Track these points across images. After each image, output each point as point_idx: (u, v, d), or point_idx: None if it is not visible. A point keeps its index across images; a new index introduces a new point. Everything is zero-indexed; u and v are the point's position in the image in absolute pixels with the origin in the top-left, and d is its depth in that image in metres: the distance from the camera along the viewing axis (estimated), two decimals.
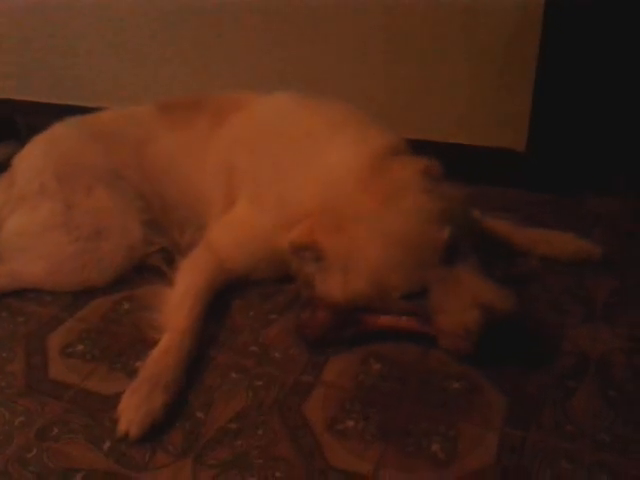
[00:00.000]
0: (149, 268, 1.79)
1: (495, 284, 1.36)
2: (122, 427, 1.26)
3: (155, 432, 1.26)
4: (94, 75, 2.79)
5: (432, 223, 1.36)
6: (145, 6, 2.55)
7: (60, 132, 1.96)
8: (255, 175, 1.65)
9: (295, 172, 1.55)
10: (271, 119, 1.72)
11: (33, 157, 1.91)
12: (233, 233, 1.67)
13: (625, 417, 1.26)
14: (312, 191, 1.48)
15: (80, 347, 1.54)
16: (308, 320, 1.48)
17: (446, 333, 1.37)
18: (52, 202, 1.77)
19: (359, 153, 1.49)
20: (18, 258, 1.76)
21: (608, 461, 1.17)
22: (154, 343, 1.46)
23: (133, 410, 1.28)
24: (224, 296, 1.65)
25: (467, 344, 1.34)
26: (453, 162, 1.49)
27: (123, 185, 1.82)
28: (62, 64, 2.83)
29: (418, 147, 1.55)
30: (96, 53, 2.75)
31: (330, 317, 1.45)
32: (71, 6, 2.68)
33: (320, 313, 1.46)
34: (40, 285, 1.76)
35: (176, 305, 1.53)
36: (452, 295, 1.34)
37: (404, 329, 1.45)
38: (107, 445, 1.26)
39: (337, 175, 1.47)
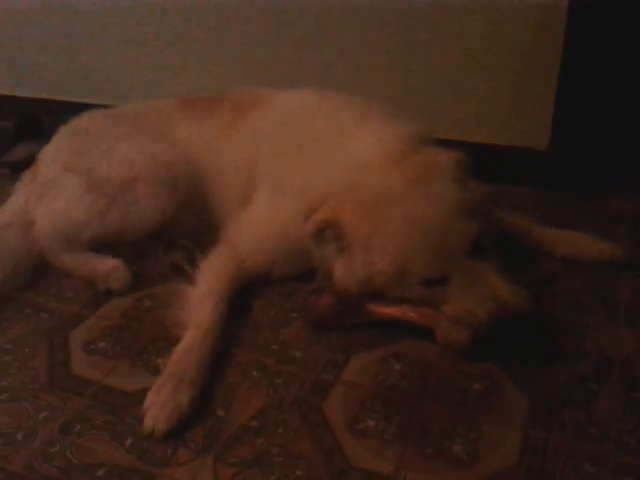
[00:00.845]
0: (170, 266, 1.80)
1: (513, 283, 1.36)
2: (148, 424, 1.27)
3: (181, 428, 1.27)
4: (117, 74, 2.82)
5: (463, 214, 1.36)
6: (167, 6, 2.57)
7: (83, 119, 2.00)
8: (277, 167, 1.65)
9: (321, 158, 1.55)
10: (295, 112, 1.72)
11: (55, 144, 1.94)
12: (253, 230, 1.68)
13: None
14: (339, 174, 1.48)
15: (102, 344, 1.56)
16: (313, 303, 1.53)
17: (447, 324, 1.38)
18: (76, 175, 1.78)
19: (389, 138, 1.49)
20: (74, 243, 1.78)
21: (633, 464, 1.15)
22: (176, 340, 1.47)
23: (159, 407, 1.29)
24: (245, 295, 1.66)
25: (465, 337, 1.35)
26: (474, 161, 1.48)
27: (143, 134, 1.83)
28: (86, 64, 2.86)
29: (440, 145, 1.54)
30: (119, 53, 2.77)
31: (334, 303, 1.49)
32: (97, 7, 2.71)
33: (325, 298, 1.50)
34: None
35: (198, 302, 1.54)
36: (470, 287, 1.35)
37: (404, 320, 1.47)
38: (129, 441, 1.27)
39: (365, 157, 1.47)
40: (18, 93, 3.09)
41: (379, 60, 2.28)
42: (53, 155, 1.90)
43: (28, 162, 2.08)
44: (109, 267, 1.75)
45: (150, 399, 1.32)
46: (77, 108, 2.43)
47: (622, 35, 1.96)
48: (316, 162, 1.55)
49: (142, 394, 1.34)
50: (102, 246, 1.80)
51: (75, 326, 1.63)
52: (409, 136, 1.50)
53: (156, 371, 1.43)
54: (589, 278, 1.69)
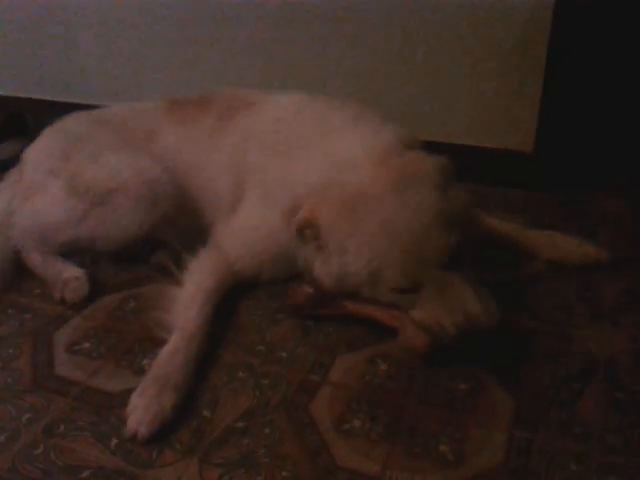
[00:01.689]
0: (155, 267, 1.79)
1: (484, 297, 1.35)
2: (131, 427, 1.26)
3: (164, 433, 1.26)
4: (100, 74, 2.80)
5: (440, 225, 1.35)
6: (151, 7, 2.56)
7: (67, 122, 1.98)
8: (265, 171, 1.65)
9: (306, 159, 1.55)
10: (284, 116, 1.72)
11: (40, 146, 1.92)
12: (241, 233, 1.67)
13: (633, 419, 1.25)
14: (320, 173, 1.47)
15: (86, 344, 1.54)
16: (292, 291, 1.59)
17: (412, 327, 1.37)
18: (58, 179, 1.77)
19: (373, 140, 1.49)
20: (50, 243, 1.78)
21: (617, 463, 1.16)
22: (162, 342, 1.46)
23: (142, 410, 1.27)
24: (232, 295, 1.65)
25: (424, 343, 1.35)
26: (461, 163, 1.48)
27: (132, 146, 1.81)
28: (70, 63, 2.84)
29: (426, 148, 1.55)
30: (103, 53, 2.76)
31: (311, 293, 1.54)
32: (85, 6, 2.69)
33: (304, 288, 1.56)
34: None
35: (185, 305, 1.53)
36: (441, 298, 1.34)
37: (372, 319, 1.49)
38: (114, 442, 1.26)
39: (347, 158, 1.46)
40: (1, 92, 3.06)
41: (364, 63, 2.29)
42: (38, 157, 1.89)
43: (12, 161, 2.06)
44: (70, 276, 1.71)
45: (133, 402, 1.30)
46: (61, 108, 2.42)
47: (607, 38, 1.98)
48: (301, 163, 1.55)
49: (127, 395, 1.33)
50: (75, 251, 1.79)
51: (59, 326, 1.61)
52: (394, 139, 1.50)
53: (141, 372, 1.42)
54: (574, 279, 1.70)
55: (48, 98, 2.92)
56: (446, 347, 1.35)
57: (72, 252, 1.80)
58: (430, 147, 1.55)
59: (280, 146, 1.64)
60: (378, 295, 1.43)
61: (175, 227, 1.80)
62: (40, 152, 1.90)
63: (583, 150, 2.14)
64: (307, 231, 1.44)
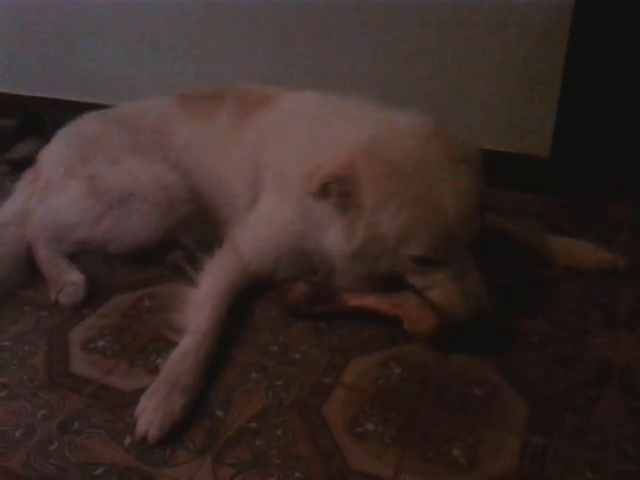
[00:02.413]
0: (170, 267, 1.80)
1: (486, 287, 1.39)
2: (141, 428, 1.26)
3: (176, 433, 1.26)
4: (119, 74, 2.82)
5: (476, 205, 1.38)
6: (166, 7, 2.58)
7: (82, 122, 2.00)
8: (282, 164, 1.64)
9: (326, 139, 1.53)
10: (302, 113, 1.71)
11: (57, 147, 1.95)
12: (257, 230, 1.68)
13: None
14: (359, 136, 1.45)
15: (101, 343, 1.55)
16: (287, 289, 1.59)
17: (416, 312, 1.41)
18: (77, 180, 1.79)
19: (416, 118, 1.48)
20: (61, 240, 1.79)
21: (632, 472, 1.15)
22: (175, 341, 1.47)
23: (152, 412, 1.28)
24: (246, 296, 1.65)
25: (430, 325, 1.39)
26: None
27: (150, 154, 1.83)
28: (87, 64, 2.87)
29: None
30: (119, 53, 2.78)
31: (307, 290, 1.54)
32: (99, 6, 2.72)
33: (299, 285, 1.56)
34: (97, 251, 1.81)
35: (197, 307, 1.53)
36: (459, 279, 1.37)
37: (374, 311, 1.50)
38: (127, 441, 1.27)
39: (395, 125, 1.46)
40: (20, 92, 3.09)
41: (379, 65, 2.28)
42: (55, 158, 1.90)
43: (29, 160, 2.08)
44: (68, 280, 1.71)
45: (143, 404, 1.31)
46: (78, 107, 2.44)
47: (625, 43, 1.97)
48: (325, 139, 1.53)
49: (140, 394, 1.34)
50: (86, 252, 1.81)
51: (75, 325, 1.62)
52: (434, 121, 1.49)
53: (155, 371, 1.42)
54: (590, 285, 1.69)
55: (65, 98, 2.94)
56: (453, 330, 1.38)
57: (83, 252, 1.81)
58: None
59: (299, 138, 1.62)
60: (396, 265, 1.42)
61: (190, 228, 1.81)
62: (57, 153, 1.92)
63: (600, 155, 2.13)
64: (332, 186, 1.40)
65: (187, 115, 1.91)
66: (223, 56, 2.57)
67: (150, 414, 1.27)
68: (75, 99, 2.91)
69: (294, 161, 1.59)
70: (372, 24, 2.24)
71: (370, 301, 1.51)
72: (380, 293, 1.50)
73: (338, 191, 1.40)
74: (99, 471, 1.20)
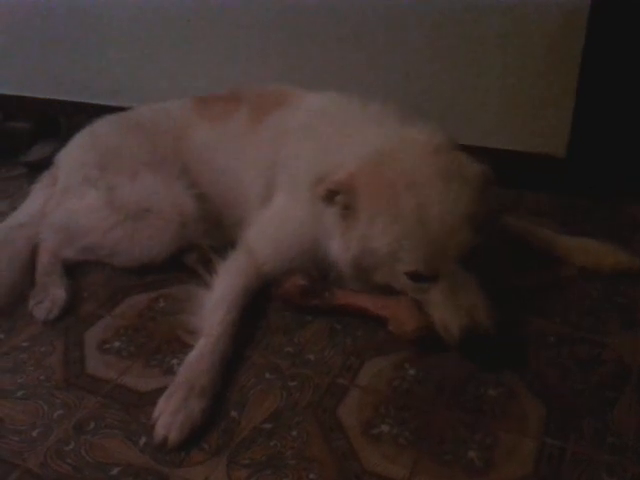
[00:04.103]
0: (184, 268, 1.80)
1: (489, 305, 1.37)
2: (160, 432, 1.26)
3: (194, 438, 1.26)
4: (133, 76, 2.84)
5: (470, 224, 1.36)
6: (180, 11, 2.59)
7: (100, 127, 2.01)
8: (298, 165, 1.64)
9: (343, 147, 1.54)
10: (320, 115, 1.71)
11: (75, 152, 1.96)
12: (270, 230, 1.68)
13: None
14: (365, 150, 1.47)
15: (117, 343, 1.56)
16: (284, 282, 1.61)
17: (403, 314, 1.43)
18: (96, 189, 1.81)
19: (424, 134, 1.49)
20: (70, 243, 1.81)
21: None
22: (190, 343, 1.48)
23: (170, 415, 1.27)
24: (260, 297, 1.65)
25: (411, 327, 1.42)
26: (493, 167, 1.48)
27: (167, 168, 1.85)
28: (102, 66, 2.89)
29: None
30: (134, 56, 2.79)
31: (301, 284, 1.57)
32: (114, 9, 2.73)
33: (295, 277, 1.58)
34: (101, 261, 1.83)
35: (212, 310, 1.53)
36: (453, 295, 1.37)
37: (362, 310, 1.53)
38: (143, 441, 1.27)
39: (399, 141, 1.47)
40: (36, 94, 3.11)
41: (396, 64, 2.28)
42: (73, 164, 1.92)
43: (45, 162, 2.10)
44: (50, 294, 1.70)
45: (160, 407, 1.30)
46: (93, 110, 2.46)
47: None
48: (338, 152, 1.54)
49: (156, 394, 1.35)
50: (91, 260, 1.83)
51: (90, 325, 1.63)
52: (443, 137, 1.50)
53: (170, 371, 1.43)
54: (606, 285, 1.67)
55: (81, 100, 2.96)
56: (436, 335, 1.40)
57: (89, 260, 1.83)
58: (462, 150, 1.54)
59: (316, 140, 1.63)
60: (392, 280, 1.44)
61: (206, 231, 1.82)
62: (75, 158, 1.94)
63: (616, 155, 2.10)
64: (338, 197, 1.43)
65: (204, 117, 1.92)
66: (237, 57, 2.57)
67: (169, 417, 1.27)
68: (90, 101, 2.92)
69: (309, 164, 1.60)
70: (387, 24, 2.23)
71: (360, 300, 1.54)
72: (373, 294, 1.52)
73: (342, 202, 1.44)
74: (115, 471, 1.21)
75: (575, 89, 2.03)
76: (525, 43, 2.06)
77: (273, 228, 1.68)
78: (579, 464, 1.17)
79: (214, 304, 1.55)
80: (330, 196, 1.45)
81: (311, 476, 1.17)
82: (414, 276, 1.39)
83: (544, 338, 1.49)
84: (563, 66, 2.03)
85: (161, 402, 1.32)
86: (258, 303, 1.64)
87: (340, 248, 1.48)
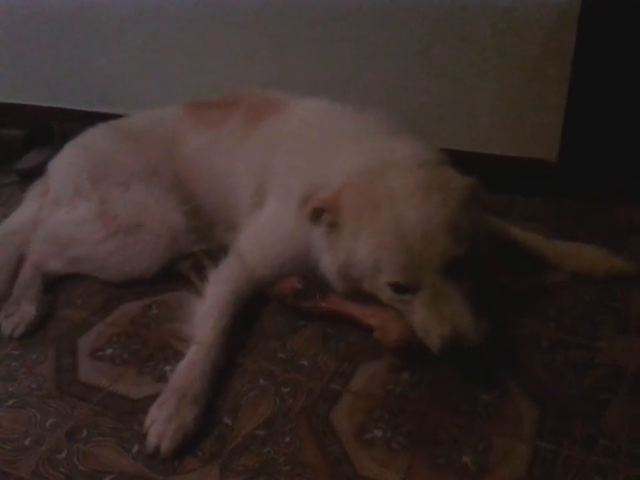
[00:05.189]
0: (177, 275, 1.80)
1: (475, 316, 1.35)
2: (153, 440, 1.25)
3: (186, 446, 1.26)
4: (127, 83, 2.84)
5: (449, 234, 1.36)
6: (180, 16, 2.59)
7: (92, 136, 2.01)
8: (289, 173, 1.65)
9: (333, 158, 1.55)
10: (314, 120, 1.72)
11: (67, 162, 1.95)
12: (261, 237, 1.68)
13: None
14: (351, 166, 1.49)
15: (109, 351, 1.56)
16: (280, 283, 1.63)
17: (388, 323, 1.44)
18: (87, 201, 1.81)
19: (412, 149, 1.50)
20: (58, 254, 1.80)
21: None
22: (183, 351, 1.47)
23: (163, 423, 1.27)
24: (253, 302, 1.65)
25: (394, 338, 1.42)
26: (485, 172, 1.48)
27: (159, 181, 1.85)
28: (96, 73, 2.89)
29: (450, 157, 1.54)
30: (129, 61, 2.79)
31: (296, 286, 1.59)
32: (108, 15, 2.74)
33: (291, 279, 1.60)
34: (89, 274, 1.82)
35: (203, 318, 1.53)
36: (434, 305, 1.36)
37: (349, 316, 1.55)
38: (135, 449, 1.27)
39: (386, 157, 1.48)
40: (29, 101, 3.11)
41: (384, 69, 2.28)
42: (65, 174, 1.91)
43: (38, 170, 2.10)
44: (19, 310, 1.67)
45: (152, 415, 1.30)
46: (86, 117, 2.46)
47: (633, 45, 1.95)
48: (328, 163, 1.55)
49: (149, 401, 1.34)
50: (76, 273, 1.82)
51: (83, 332, 1.63)
52: (431, 152, 1.51)
53: (163, 378, 1.42)
54: (600, 289, 1.68)
55: (74, 107, 2.96)
56: (418, 347, 1.39)
57: (74, 272, 1.82)
58: (453, 156, 1.55)
59: (307, 148, 1.64)
60: (377, 290, 1.44)
61: (199, 238, 1.82)
62: (67, 168, 1.93)
63: (608, 159, 2.11)
64: (326, 216, 1.45)
65: (197, 123, 1.92)
66: (232, 62, 2.57)
67: (161, 426, 1.27)
68: (84, 109, 2.92)
69: (299, 175, 1.61)
70: (378, 27, 2.24)
71: (350, 308, 1.55)
72: (363, 302, 1.53)
73: (327, 220, 1.45)
74: (107, 479, 1.20)
75: (566, 93, 2.04)
76: (516, 48, 2.07)
77: (264, 235, 1.68)
78: (572, 467, 1.17)
79: (206, 311, 1.55)
80: (316, 215, 1.46)
81: None
82: (396, 287, 1.39)
83: (538, 342, 1.50)
84: (554, 71, 2.04)
85: (153, 410, 1.31)
86: (250, 309, 1.64)
87: (328, 261, 1.50)
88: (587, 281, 1.71)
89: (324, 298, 1.58)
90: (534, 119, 2.14)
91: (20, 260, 1.82)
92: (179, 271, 1.80)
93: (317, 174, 1.55)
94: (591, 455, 1.19)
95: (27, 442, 1.30)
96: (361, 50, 2.30)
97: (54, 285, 1.82)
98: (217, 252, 1.74)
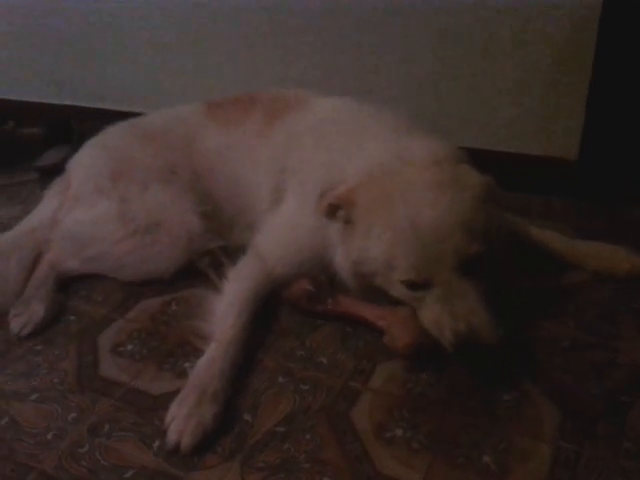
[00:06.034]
0: (196, 272, 1.81)
1: (488, 314, 1.33)
2: (173, 437, 1.26)
3: (206, 442, 1.26)
4: (145, 82, 2.86)
5: (465, 231, 1.35)
6: (193, 16, 2.60)
7: (111, 135, 2.02)
8: (307, 169, 1.65)
9: (351, 154, 1.55)
10: (332, 122, 1.71)
11: (87, 160, 1.96)
12: (279, 235, 1.68)
13: None
14: (369, 162, 1.48)
15: (130, 347, 1.57)
16: (292, 285, 1.62)
17: (397, 328, 1.43)
18: (108, 200, 1.82)
19: (429, 147, 1.49)
20: (77, 253, 1.82)
21: None
22: (202, 349, 1.48)
23: (183, 420, 1.28)
24: (271, 300, 1.66)
25: (405, 342, 1.40)
26: (504, 170, 1.47)
27: (177, 181, 1.86)
28: (114, 71, 2.91)
29: (469, 155, 1.54)
30: (147, 61, 2.81)
31: (308, 289, 1.59)
32: (125, 14, 2.76)
33: (301, 282, 1.60)
34: (106, 274, 1.83)
35: (222, 315, 1.54)
36: (448, 302, 1.35)
37: (362, 319, 1.54)
38: (157, 444, 1.28)
39: (404, 154, 1.47)
40: (48, 100, 3.14)
41: (406, 67, 2.28)
42: (85, 172, 1.93)
43: (58, 167, 2.12)
44: (28, 309, 1.67)
45: (172, 412, 1.31)
46: (106, 115, 2.48)
47: None
48: (347, 159, 1.55)
49: (169, 398, 1.35)
50: (93, 273, 1.83)
51: (104, 329, 1.64)
52: (448, 150, 1.50)
53: (183, 375, 1.43)
54: (620, 289, 1.66)
55: (93, 106, 2.98)
56: (428, 352, 1.38)
57: (91, 272, 1.83)
58: (472, 154, 1.54)
59: (325, 145, 1.63)
60: (389, 287, 1.43)
61: (215, 236, 1.82)
62: (87, 167, 1.94)
63: (629, 158, 2.09)
64: (341, 212, 1.45)
65: (217, 121, 1.92)
66: (250, 60, 2.57)
67: (181, 423, 1.28)
68: (103, 107, 2.94)
69: (317, 173, 1.61)
70: (396, 25, 2.23)
71: (360, 309, 1.55)
72: (374, 304, 1.53)
73: (343, 216, 1.45)
74: (129, 474, 1.22)
75: (587, 91, 2.02)
76: (536, 46, 2.05)
77: (282, 233, 1.68)
78: (595, 469, 1.16)
79: (224, 309, 1.56)
80: (332, 211, 1.46)
81: (324, 479, 1.17)
82: (409, 284, 1.38)
83: (558, 342, 1.48)
84: (575, 68, 2.02)
85: (173, 407, 1.32)
86: (269, 307, 1.64)
87: (342, 257, 1.49)
88: (607, 281, 1.69)
89: (336, 300, 1.57)
90: (554, 117, 2.12)
91: (36, 259, 1.83)
92: (198, 268, 1.81)
93: (335, 170, 1.55)
94: (614, 457, 1.18)
95: (49, 436, 1.31)
96: (379, 49, 2.29)
97: (68, 285, 1.82)
98: (235, 250, 1.75)
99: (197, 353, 1.47)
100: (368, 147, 1.54)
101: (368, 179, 1.45)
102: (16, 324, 1.65)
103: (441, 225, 1.34)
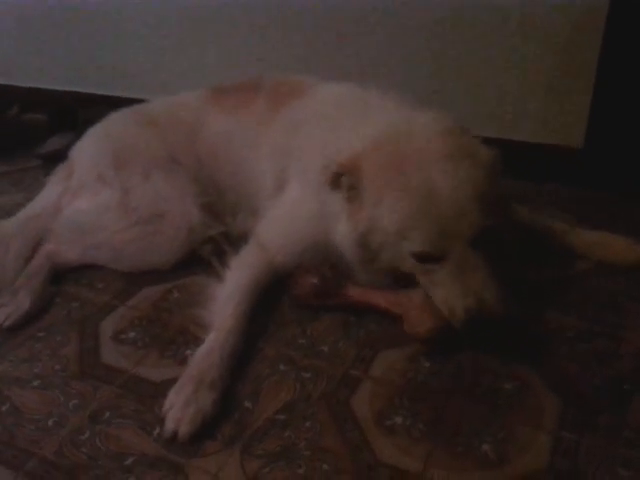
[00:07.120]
0: (199, 259, 1.80)
1: (498, 287, 1.34)
2: (170, 425, 1.26)
3: (204, 430, 1.26)
4: (149, 68, 2.85)
5: (480, 203, 1.34)
6: (191, 1, 2.58)
7: (115, 122, 2.01)
8: (307, 157, 1.63)
9: (350, 131, 1.53)
10: (335, 106, 1.69)
11: (90, 148, 1.96)
12: (281, 223, 1.68)
13: None
14: (373, 132, 1.46)
15: (132, 334, 1.57)
16: (296, 281, 1.59)
17: (416, 313, 1.41)
18: (110, 188, 1.81)
19: (436, 119, 1.47)
20: (78, 242, 1.81)
21: None
22: (204, 333, 1.48)
23: (180, 408, 1.28)
24: (273, 288, 1.65)
25: (427, 327, 1.39)
26: (511, 159, 1.46)
27: (179, 170, 1.85)
28: (118, 57, 2.90)
29: None
30: (152, 47, 2.80)
31: (314, 284, 1.56)
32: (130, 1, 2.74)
33: (306, 278, 1.57)
34: (105, 265, 1.82)
35: (223, 304, 1.53)
36: (459, 276, 1.34)
37: (375, 307, 1.52)
38: (157, 431, 1.28)
39: (408, 125, 1.45)
40: (52, 86, 3.14)
41: (412, 56, 2.26)
42: (88, 160, 1.92)
43: (61, 154, 2.11)
44: (14, 300, 1.66)
45: (170, 400, 1.31)
46: (109, 101, 2.47)
47: None
48: (349, 132, 1.53)
49: (170, 385, 1.35)
50: (91, 263, 1.82)
51: (105, 316, 1.64)
52: (455, 122, 1.48)
53: (184, 362, 1.43)
54: (623, 279, 1.65)
55: (97, 92, 2.98)
56: (449, 335, 1.37)
57: (90, 263, 1.82)
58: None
59: (329, 127, 1.61)
60: (397, 260, 1.42)
61: (217, 223, 1.82)
62: (90, 154, 1.94)
63: (635, 147, 2.07)
64: (344, 178, 1.42)
65: (220, 107, 1.91)
66: (254, 48, 2.56)
67: (179, 411, 1.28)
68: (107, 93, 2.94)
69: (317, 152, 1.59)
70: (401, 13, 2.22)
71: (373, 297, 1.52)
72: (386, 290, 1.51)
73: (347, 183, 1.42)
74: (129, 461, 1.22)
75: (593, 79, 2.00)
76: (543, 35, 2.03)
77: (284, 221, 1.67)
78: (595, 458, 1.16)
79: (225, 297, 1.55)
80: (335, 179, 1.43)
81: (324, 467, 1.17)
82: (421, 257, 1.36)
83: (561, 332, 1.48)
84: (581, 57, 2.00)
85: (171, 395, 1.32)
86: (271, 295, 1.64)
87: (346, 230, 1.46)
88: (612, 270, 1.68)
89: (346, 290, 1.55)
90: (561, 106, 2.10)
91: (35, 247, 1.83)
92: (200, 256, 1.81)
93: (338, 145, 1.52)
94: (615, 446, 1.17)
95: (50, 423, 1.32)
96: (384, 37, 2.27)
97: (70, 272, 1.82)
98: (238, 238, 1.74)
99: (198, 341, 1.47)
100: (374, 119, 1.52)
101: (374, 145, 1.42)
102: (0, 314, 1.63)
103: (460, 197, 1.33)
